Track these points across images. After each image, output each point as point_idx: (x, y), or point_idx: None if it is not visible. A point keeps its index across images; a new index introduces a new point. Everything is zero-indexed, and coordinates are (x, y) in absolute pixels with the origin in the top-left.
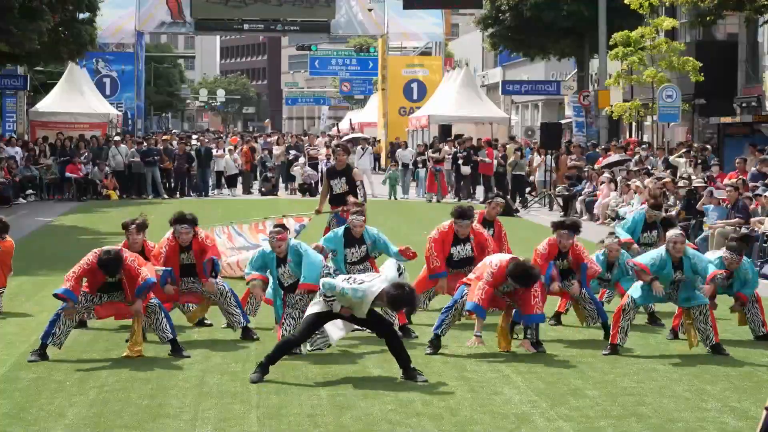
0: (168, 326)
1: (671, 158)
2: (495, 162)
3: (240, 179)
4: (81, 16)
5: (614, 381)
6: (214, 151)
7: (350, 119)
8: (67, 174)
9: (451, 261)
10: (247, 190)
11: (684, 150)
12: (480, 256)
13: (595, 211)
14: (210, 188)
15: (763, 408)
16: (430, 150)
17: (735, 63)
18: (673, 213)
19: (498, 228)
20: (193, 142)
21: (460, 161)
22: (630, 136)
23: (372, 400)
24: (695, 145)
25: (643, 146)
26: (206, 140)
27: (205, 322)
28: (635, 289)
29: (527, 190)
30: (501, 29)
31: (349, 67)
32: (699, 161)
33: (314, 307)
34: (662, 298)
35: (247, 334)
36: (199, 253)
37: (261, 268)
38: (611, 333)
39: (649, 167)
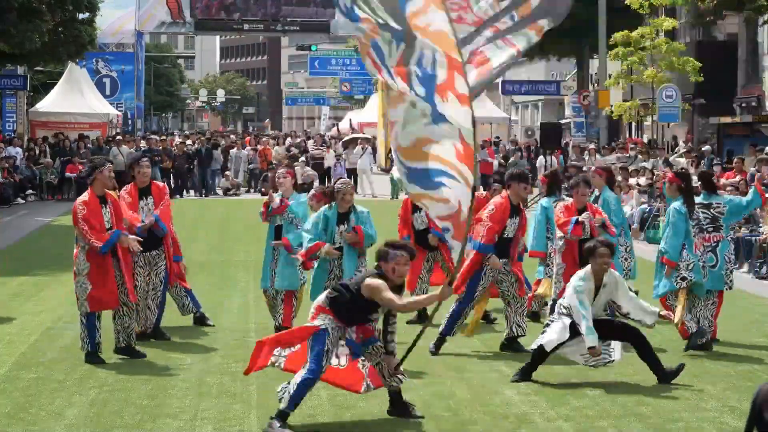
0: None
1: (671, 158)
2: (496, 162)
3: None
4: (81, 16)
5: (614, 381)
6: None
7: (350, 119)
8: (67, 174)
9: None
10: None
11: (684, 150)
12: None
13: None
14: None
15: None
16: None
17: (735, 63)
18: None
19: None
20: (188, 142)
21: None
22: (630, 136)
23: (372, 400)
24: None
25: (632, 146)
26: (204, 141)
27: (207, 322)
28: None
29: None
30: None
31: (349, 67)
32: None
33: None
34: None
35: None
36: (158, 199)
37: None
38: None
39: (648, 167)
